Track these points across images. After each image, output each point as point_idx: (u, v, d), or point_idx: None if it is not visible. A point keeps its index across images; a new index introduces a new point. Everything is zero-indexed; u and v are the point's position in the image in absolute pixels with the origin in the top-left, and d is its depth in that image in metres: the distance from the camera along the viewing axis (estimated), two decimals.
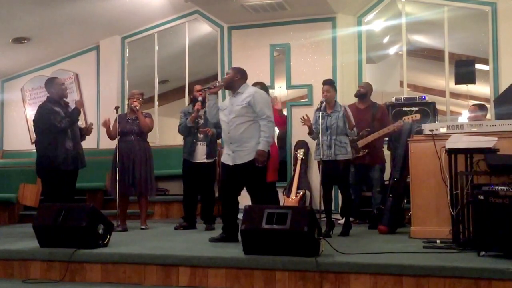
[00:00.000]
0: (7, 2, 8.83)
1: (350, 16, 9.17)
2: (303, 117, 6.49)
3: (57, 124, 6.42)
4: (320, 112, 6.32)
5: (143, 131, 7.20)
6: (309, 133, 6.54)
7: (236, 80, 5.72)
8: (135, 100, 7.26)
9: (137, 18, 10.19)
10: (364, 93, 7.51)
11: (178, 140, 8.24)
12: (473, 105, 7.87)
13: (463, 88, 10.05)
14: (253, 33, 9.34)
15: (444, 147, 5.30)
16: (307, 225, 4.45)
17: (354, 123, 6.29)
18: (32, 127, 7.20)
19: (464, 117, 10.41)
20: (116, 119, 7.34)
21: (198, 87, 7.26)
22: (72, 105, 6.68)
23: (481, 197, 4.55)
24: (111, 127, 7.19)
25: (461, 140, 5.25)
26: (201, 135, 7.10)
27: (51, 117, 6.43)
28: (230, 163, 5.63)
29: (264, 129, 5.58)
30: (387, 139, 7.73)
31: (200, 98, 7.03)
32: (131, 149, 7.13)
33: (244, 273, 4.55)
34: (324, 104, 6.36)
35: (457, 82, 9.06)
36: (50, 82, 6.76)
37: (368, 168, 7.38)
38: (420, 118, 7.08)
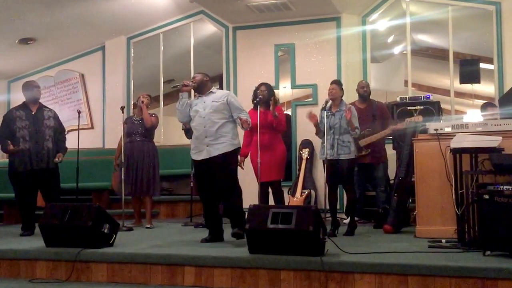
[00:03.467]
0: (14, 3, 8.86)
1: (354, 15, 9.16)
2: (310, 113, 6.48)
3: None
4: (325, 112, 6.32)
5: (146, 127, 7.27)
6: (316, 133, 6.54)
7: (206, 81, 5.93)
8: (143, 97, 7.40)
9: (143, 18, 10.20)
10: (369, 94, 7.58)
11: (183, 139, 8.26)
12: (486, 103, 7.80)
13: (467, 87, 10.01)
14: (258, 33, 9.34)
15: (449, 146, 5.30)
16: (312, 224, 4.45)
17: (355, 125, 6.26)
18: None
19: (469, 116, 10.36)
20: (124, 122, 7.53)
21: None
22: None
23: (486, 197, 4.55)
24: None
25: (465, 139, 5.25)
26: None
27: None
28: (205, 157, 5.70)
29: (245, 115, 5.77)
30: (391, 137, 7.74)
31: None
32: (135, 149, 7.21)
33: (249, 273, 4.57)
34: (329, 103, 6.36)
35: (461, 82, 9.04)
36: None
37: (371, 167, 7.40)
38: (421, 120, 7.12)
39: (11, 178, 6.81)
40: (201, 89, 5.89)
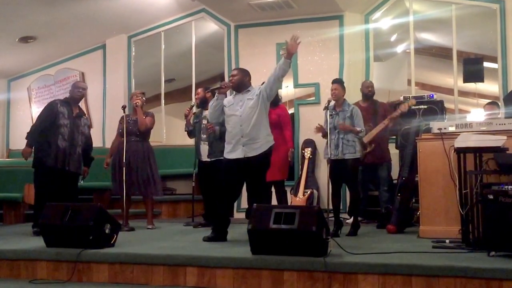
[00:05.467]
0: (14, 1, 8.84)
1: (357, 14, 9.13)
2: (316, 127, 6.47)
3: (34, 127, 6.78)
4: (328, 111, 6.29)
5: (139, 129, 7.17)
6: (323, 137, 6.51)
7: (246, 80, 5.91)
8: (137, 98, 7.30)
9: (144, 17, 10.19)
10: (373, 94, 7.57)
11: (184, 139, 8.23)
12: (489, 103, 7.76)
13: (471, 86, 9.97)
14: (260, 32, 9.31)
15: (453, 146, 5.26)
16: (315, 224, 4.43)
17: (358, 129, 6.23)
18: None
19: (473, 115, 10.33)
20: (119, 121, 7.43)
21: (200, 90, 7.46)
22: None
23: (491, 197, 4.52)
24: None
25: (470, 139, 5.21)
26: (204, 135, 7.11)
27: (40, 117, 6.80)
28: (239, 156, 5.68)
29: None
30: (394, 137, 7.70)
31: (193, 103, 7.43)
32: (128, 149, 7.08)
33: (252, 273, 4.54)
34: (331, 102, 6.33)
35: (465, 80, 9.02)
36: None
37: (375, 166, 7.37)
38: (415, 103, 7.12)
39: (38, 169, 6.67)
40: (241, 88, 5.86)
